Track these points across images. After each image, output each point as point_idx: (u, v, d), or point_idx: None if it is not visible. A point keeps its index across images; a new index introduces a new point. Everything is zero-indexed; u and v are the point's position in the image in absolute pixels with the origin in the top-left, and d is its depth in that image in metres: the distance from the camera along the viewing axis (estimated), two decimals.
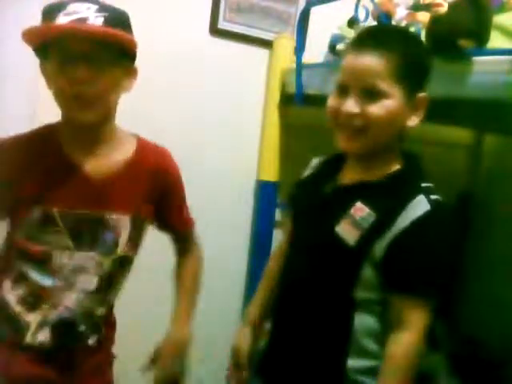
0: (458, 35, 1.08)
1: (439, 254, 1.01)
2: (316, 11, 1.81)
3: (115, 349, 1.25)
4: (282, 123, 1.90)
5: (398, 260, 1.00)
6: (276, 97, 1.88)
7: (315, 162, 1.24)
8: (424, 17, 1.25)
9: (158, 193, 1.17)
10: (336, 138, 1.06)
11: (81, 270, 1.09)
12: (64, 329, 1.10)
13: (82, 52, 0.97)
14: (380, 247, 1.00)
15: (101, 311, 1.15)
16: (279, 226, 1.92)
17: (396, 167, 1.07)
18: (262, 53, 1.92)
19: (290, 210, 1.26)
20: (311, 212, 1.13)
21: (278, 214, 1.95)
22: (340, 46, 1.57)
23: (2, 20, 1.43)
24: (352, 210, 1.03)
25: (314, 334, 1.09)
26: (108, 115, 1.08)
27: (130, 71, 1.08)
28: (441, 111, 1.24)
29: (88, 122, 1.03)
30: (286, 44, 1.87)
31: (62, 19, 0.96)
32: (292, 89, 1.76)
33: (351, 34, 1.52)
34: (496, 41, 1.12)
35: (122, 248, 1.12)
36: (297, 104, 1.73)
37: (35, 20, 1.00)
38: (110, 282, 1.14)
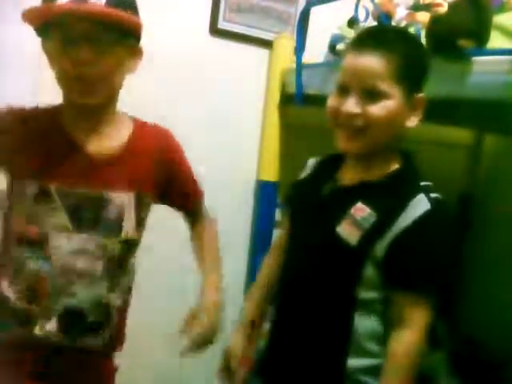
0: (458, 35, 1.08)
1: (440, 252, 1.02)
2: (316, 11, 1.81)
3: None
4: (282, 123, 1.90)
5: (400, 258, 1.00)
6: (276, 97, 1.88)
7: (312, 162, 1.24)
8: (424, 17, 1.25)
9: (162, 172, 1.15)
10: (336, 138, 1.06)
11: (81, 253, 1.05)
12: (71, 318, 1.06)
13: (83, 32, 0.95)
14: (381, 246, 1.00)
15: (113, 299, 1.11)
16: (279, 226, 1.92)
17: (395, 167, 1.07)
18: (261, 53, 1.92)
19: (288, 210, 1.27)
20: (311, 212, 1.13)
21: (278, 214, 1.95)
22: (340, 46, 1.57)
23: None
24: (352, 210, 1.03)
25: (314, 334, 1.09)
26: (112, 96, 1.07)
27: (135, 51, 1.06)
28: (441, 111, 1.24)
29: (90, 105, 1.02)
30: (286, 44, 1.87)
31: None
32: (292, 89, 1.76)
33: (351, 34, 1.52)
34: (496, 41, 1.12)
35: (127, 229, 1.09)
36: (297, 104, 1.73)
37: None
38: (120, 267, 1.10)
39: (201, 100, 1.85)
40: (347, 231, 1.03)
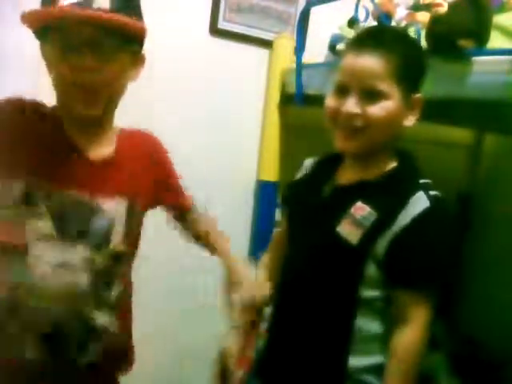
0: (458, 35, 1.08)
1: (440, 250, 1.02)
2: (316, 11, 1.81)
3: None
4: (282, 123, 1.89)
5: (400, 257, 1.00)
6: (276, 97, 1.88)
7: (308, 162, 1.24)
8: (424, 17, 1.25)
9: (154, 175, 1.13)
10: (334, 137, 1.06)
11: (64, 265, 0.97)
12: (53, 337, 0.98)
13: (86, 38, 0.91)
14: (382, 245, 1.00)
15: (101, 317, 1.03)
16: (278, 226, 1.92)
17: (392, 165, 1.07)
18: (261, 53, 1.91)
19: (285, 210, 1.26)
20: (310, 213, 1.13)
21: (277, 214, 1.94)
22: (340, 46, 1.57)
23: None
24: (352, 210, 1.03)
25: (315, 334, 1.09)
26: (113, 106, 1.03)
27: (138, 58, 1.02)
28: (441, 111, 1.24)
29: (93, 116, 0.98)
30: (286, 44, 1.87)
31: (65, 1, 0.89)
32: (292, 89, 1.76)
33: (351, 34, 1.52)
34: (496, 41, 1.12)
35: (115, 241, 1.02)
36: (297, 104, 1.73)
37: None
38: (107, 282, 1.03)
39: (201, 100, 1.85)
40: (347, 231, 1.03)
